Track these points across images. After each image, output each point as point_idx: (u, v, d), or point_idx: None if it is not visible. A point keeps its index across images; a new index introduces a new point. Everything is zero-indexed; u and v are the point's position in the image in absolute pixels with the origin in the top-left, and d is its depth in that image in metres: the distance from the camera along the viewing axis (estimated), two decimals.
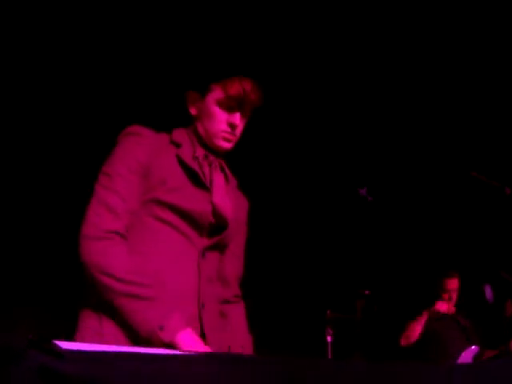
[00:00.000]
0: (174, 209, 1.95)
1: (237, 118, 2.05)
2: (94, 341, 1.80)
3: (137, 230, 1.95)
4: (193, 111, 2.13)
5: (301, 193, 4.78)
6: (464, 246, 4.84)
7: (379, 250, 4.72)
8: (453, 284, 4.67)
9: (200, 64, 2.15)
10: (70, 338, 1.87)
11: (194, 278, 1.95)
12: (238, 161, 2.22)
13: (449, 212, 4.98)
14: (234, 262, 2.19)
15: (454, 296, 4.66)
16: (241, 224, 2.20)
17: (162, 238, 1.95)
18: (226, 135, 2.07)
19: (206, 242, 2.01)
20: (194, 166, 2.04)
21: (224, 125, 2.06)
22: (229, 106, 2.06)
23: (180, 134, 2.11)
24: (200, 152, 2.09)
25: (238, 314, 2.20)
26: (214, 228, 2.03)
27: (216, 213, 2.02)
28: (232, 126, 2.06)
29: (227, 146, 2.09)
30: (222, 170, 2.14)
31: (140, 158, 1.98)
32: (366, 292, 4.45)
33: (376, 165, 4.71)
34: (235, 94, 2.04)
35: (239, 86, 2.03)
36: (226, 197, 2.09)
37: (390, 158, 4.86)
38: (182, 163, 2.03)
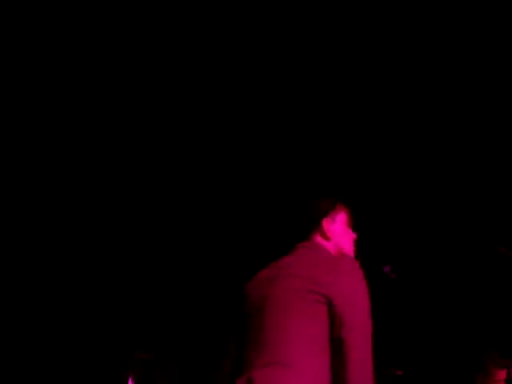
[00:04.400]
0: None
1: None
2: None
3: None
4: None
5: None
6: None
7: (409, 328, 4.62)
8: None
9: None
10: None
11: None
12: None
13: (478, 285, 4.88)
14: None
15: None
16: None
17: None
18: None
19: None
20: None
21: None
22: None
23: None
24: None
25: None
26: None
27: None
28: None
29: None
30: None
31: None
32: (398, 372, 4.34)
33: (400, 240, 4.67)
34: None
35: None
36: None
37: (415, 231, 4.82)
38: None
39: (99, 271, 4.86)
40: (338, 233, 2.54)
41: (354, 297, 2.30)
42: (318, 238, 2.53)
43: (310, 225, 2.54)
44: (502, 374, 4.32)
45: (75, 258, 4.84)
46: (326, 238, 2.52)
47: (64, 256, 4.82)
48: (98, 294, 4.82)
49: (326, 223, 2.53)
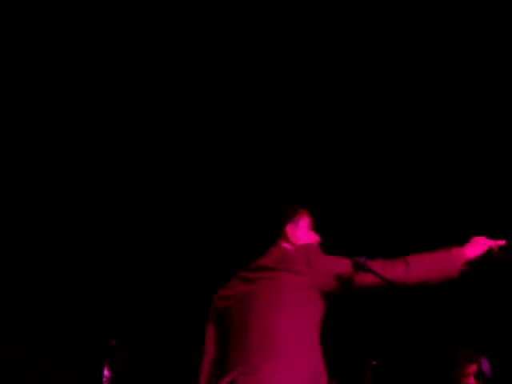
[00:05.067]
0: None
1: None
2: None
3: None
4: None
5: None
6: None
7: (386, 318, 4.67)
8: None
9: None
10: None
11: None
12: None
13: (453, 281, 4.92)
14: None
15: None
16: None
17: None
18: None
19: None
20: None
21: None
22: None
23: None
24: None
25: None
26: None
27: None
28: None
29: None
30: None
31: None
32: (374, 362, 4.38)
33: (376, 231, 4.71)
34: None
35: None
36: None
37: (392, 223, 4.86)
38: None
39: (78, 262, 4.86)
40: (301, 237, 2.60)
41: (330, 265, 2.44)
42: (284, 244, 2.59)
43: (275, 232, 2.60)
44: (472, 368, 4.39)
45: (55, 248, 4.83)
46: (291, 243, 2.59)
47: (43, 246, 4.80)
48: (76, 284, 4.82)
49: (290, 229, 2.59)
